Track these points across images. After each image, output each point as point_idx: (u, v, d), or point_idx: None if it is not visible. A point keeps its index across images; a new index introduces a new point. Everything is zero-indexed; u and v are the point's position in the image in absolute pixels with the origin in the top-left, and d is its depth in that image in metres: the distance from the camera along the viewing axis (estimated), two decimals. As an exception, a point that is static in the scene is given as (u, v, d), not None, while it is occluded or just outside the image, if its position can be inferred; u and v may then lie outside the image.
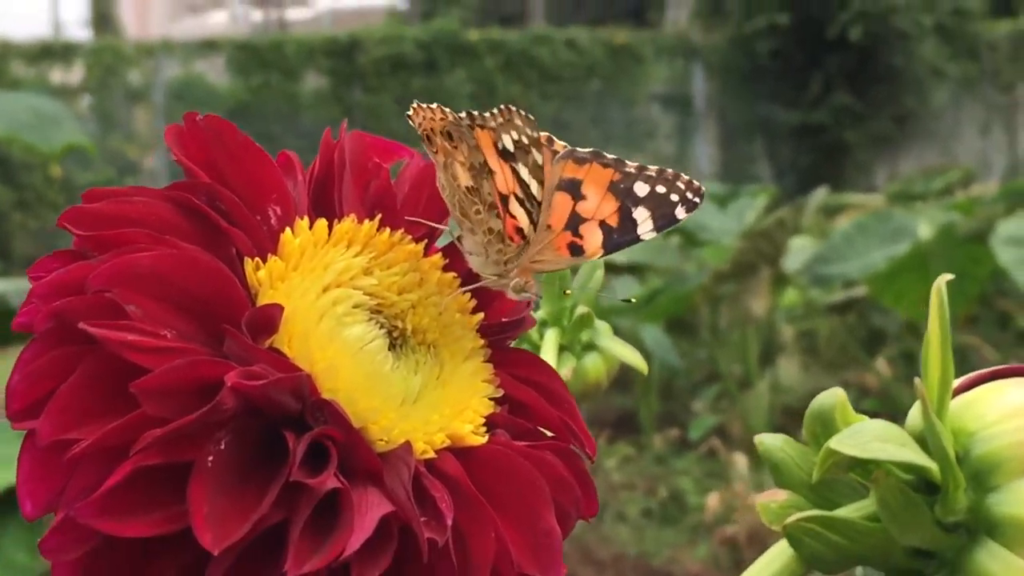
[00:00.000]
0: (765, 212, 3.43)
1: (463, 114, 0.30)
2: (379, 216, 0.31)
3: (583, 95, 6.66)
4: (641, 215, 0.31)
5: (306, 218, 0.30)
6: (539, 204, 0.30)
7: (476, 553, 0.27)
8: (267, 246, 0.29)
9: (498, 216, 0.30)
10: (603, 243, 0.31)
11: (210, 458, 0.25)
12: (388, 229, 0.31)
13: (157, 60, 6.41)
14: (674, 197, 0.31)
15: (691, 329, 3.27)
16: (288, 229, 0.29)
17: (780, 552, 0.23)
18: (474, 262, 0.31)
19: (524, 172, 0.30)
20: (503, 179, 0.30)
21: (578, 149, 0.31)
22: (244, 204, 0.29)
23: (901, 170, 6.02)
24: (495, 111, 0.30)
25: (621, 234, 0.31)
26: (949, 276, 0.23)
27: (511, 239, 0.30)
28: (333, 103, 6.37)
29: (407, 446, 0.27)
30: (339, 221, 0.30)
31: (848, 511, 0.23)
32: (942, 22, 6.44)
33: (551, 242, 0.31)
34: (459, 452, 0.29)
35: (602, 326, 0.46)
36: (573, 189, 0.31)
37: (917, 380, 0.22)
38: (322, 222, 0.30)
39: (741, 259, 2.85)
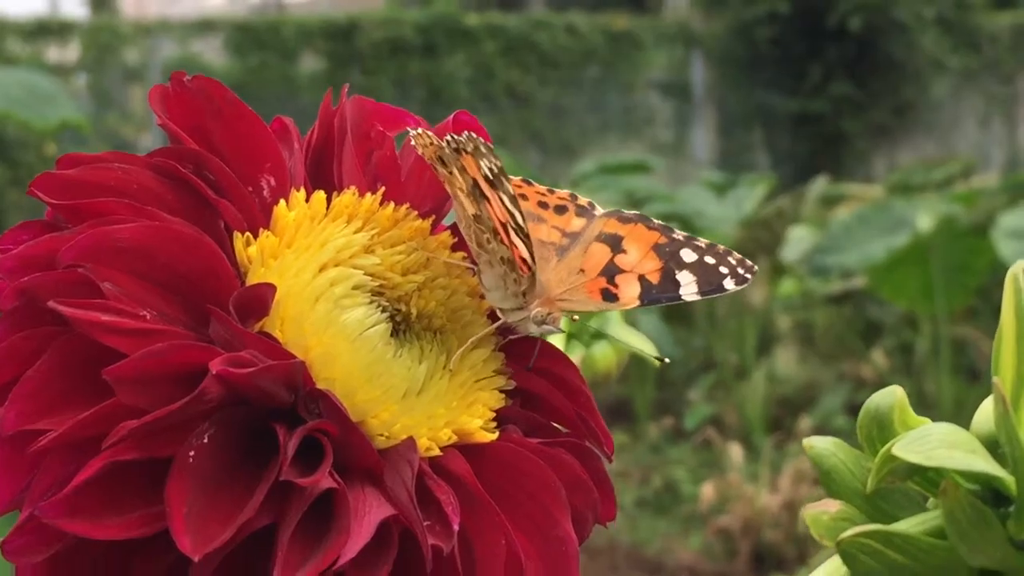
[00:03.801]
0: (764, 201, 3.41)
1: (448, 138, 0.28)
2: (382, 189, 0.28)
3: (582, 81, 6.62)
4: (685, 278, 0.30)
5: (302, 190, 0.27)
6: (527, 233, 0.28)
7: (484, 562, 0.25)
8: (259, 220, 0.26)
9: (502, 243, 0.28)
10: (640, 295, 0.30)
11: (191, 453, 0.23)
12: (392, 204, 0.28)
13: (154, 39, 6.37)
14: (723, 270, 0.30)
15: (688, 318, 3.25)
16: (282, 201, 0.27)
17: (833, 570, 0.21)
18: (493, 297, 0.29)
19: (506, 201, 0.28)
20: (499, 206, 0.28)
21: (623, 210, 0.31)
22: (234, 173, 0.26)
23: (899, 161, 6.00)
24: (464, 137, 0.28)
25: (661, 291, 0.30)
26: (1025, 263, 0.20)
27: (521, 268, 0.28)
28: (331, 85, 6.32)
29: (410, 442, 0.25)
30: (338, 194, 0.28)
31: (909, 525, 0.20)
32: (943, 13, 6.42)
33: (583, 284, 0.30)
34: (467, 449, 0.26)
35: (612, 314, 0.44)
36: (613, 243, 0.31)
37: (996, 379, 0.19)
38: (320, 195, 0.27)
39: (740, 248, 2.82)
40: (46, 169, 0.24)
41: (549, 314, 0.29)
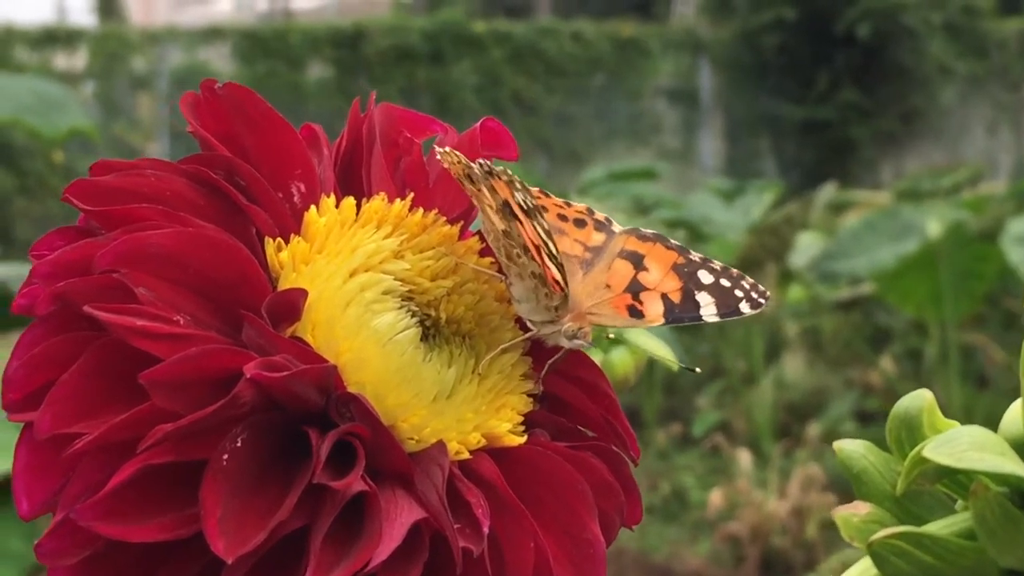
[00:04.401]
0: (772, 208, 3.41)
1: (480, 163, 0.28)
2: (411, 195, 0.28)
3: (589, 88, 6.63)
4: (704, 299, 0.30)
5: (332, 196, 0.27)
6: (561, 265, 0.29)
7: (513, 565, 0.25)
8: (290, 226, 0.26)
9: (533, 260, 0.29)
10: (664, 314, 0.30)
11: (225, 456, 0.23)
12: (421, 209, 0.28)
13: (162, 47, 6.38)
14: (738, 293, 0.31)
15: (696, 325, 3.24)
16: (313, 207, 0.27)
17: (863, 571, 0.21)
18: (523, 309, 0.29)
19: (541, 232, 0.28)
20: (532, 229, 0.28)
21: (641, 228, 0.31)
22: (265, 180, 0.26)
23: (907, 168, 5.99)
24: (498, 168, 0.29)
25: (683, 311, 0.30)
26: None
27: (553, 288, 0.29)
28: (338, 93, 6.33)
29: (440, 446, 0.25)
30: (368, 200, 0.28)
31: (939, 527, 0.20)
32: (951, 20, 6.41)
33: (610, 300, 0.30)
34: (495, 453, 0.26)
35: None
36: (635, 260, 0.31)
37: (1025, 380, 0.19)
38: (349, 201, 0.27)
39: (748, 255, 2.83)
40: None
41: (580, 328, 0.29)
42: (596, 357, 0.44)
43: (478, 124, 0.30)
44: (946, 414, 0.22)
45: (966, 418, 2.42)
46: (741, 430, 2.84)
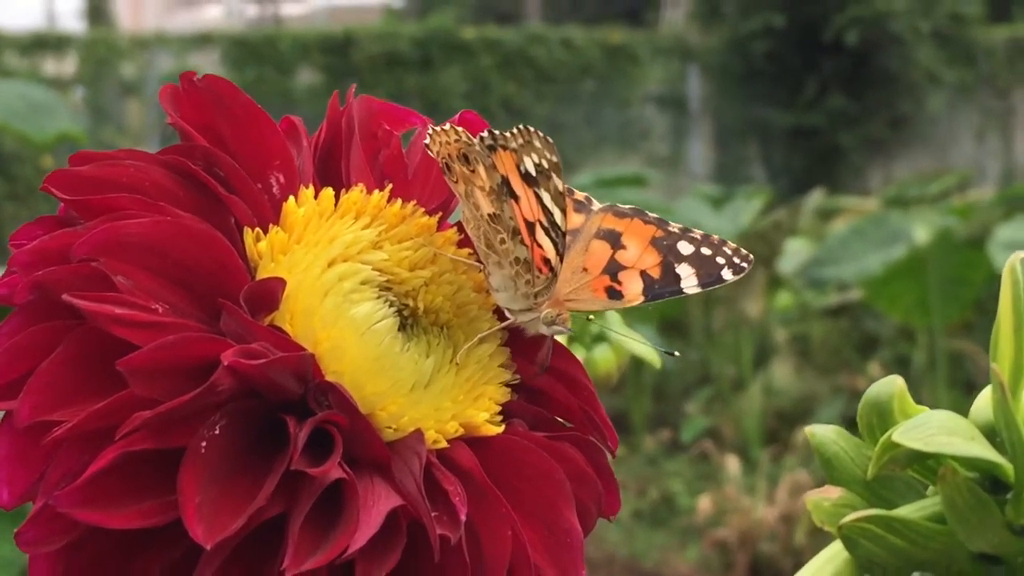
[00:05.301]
0: (761, 214, 3.42)
1: (485, 134, 0.28)
2: (389, 186, 0.28)
3: (578, 95, 6.62)
4: (685, 271, 0.30)
5: (311, 187, 0.27)
6: (564, 234, 0.29)
7: (490, 552, 0.25)
8: (269, 216, 0.27)
9: (523, 243, 0.28)
10: (643, 291, 0.30)
11: (203, 444, 0.23)
12: (399, 200, 0.28)
13: (151, 53, 6.37)
14: (720, 260, 0.31)
15: (684, 330, 3.25)
16: (291, 198, 0.27)
17: (834, 555, 0.21)
18: (501, 298, 0.29)
19: (547, 199, 0.28)
20: (528, 205, 0.28)
21: (618, 204, 0.31)
22: (244, 170, 0.26)
23: (895, 174, 6.00)
24: (515, 131, 0.28)
25: (663, 285, 0.30)
26: (1022, 254, 0.21)
27: (540, 269, 0.29)
28: (327, 99, 6.31)
29: (418, 434, 0.25)
30: (346, 191, 0.28)
31: (909, 511, 0.21)
32: (939, 27, 6.42)
33: (588, 283, 0.30)
34: (473, 442, 0.26)
35: (613, 316, 0.44)
36: (612, 239, 0.31)
37: (994, 366, 0.20)
38: (328, 191, 0.27)
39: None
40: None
41: (559, 315, 0.29)
42: (579, 355, 0.45)
43: (456, 115, 0.30)
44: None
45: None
46: (730, 436, 2.84)
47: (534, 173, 0.28)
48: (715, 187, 4.38)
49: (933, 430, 0.20)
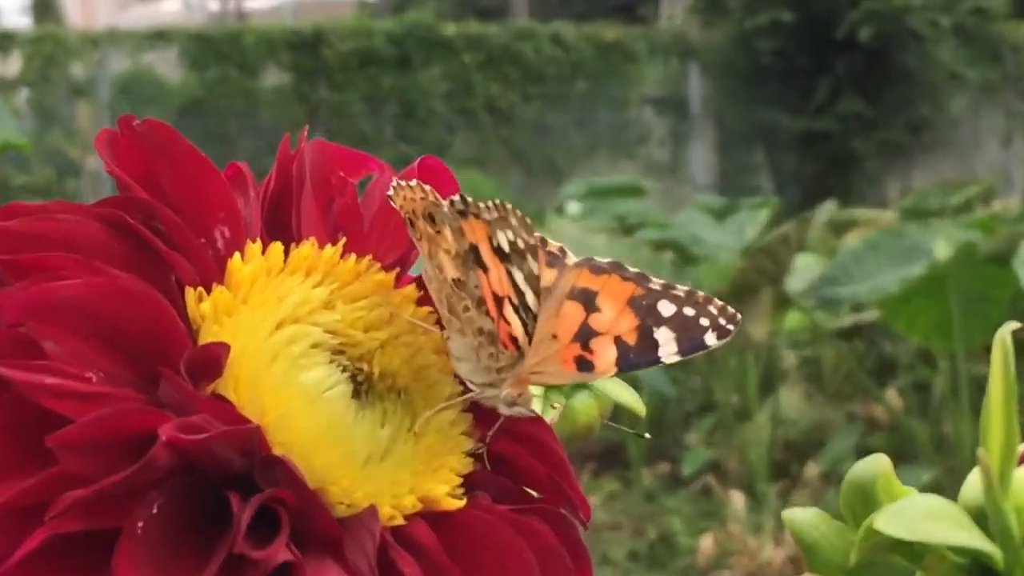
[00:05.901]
0: (768, 227, 3.42)
1: (456, 199, 0.28)
2: (343, 240, 0.29)
3: (569, 96, 6.64)
4: (664, 336, 0.30)
5: (259, 241, 0.28)
6: (535, 316, 0.29)
7: (450, 636, 0.25)
8: (212, 274, 0.27)
9: (487, 315, 0.29)
10: (617, 360, 0.30)
11: (140, 524, 0.23)
12: (354, 255, 0.29)
13: (103, 51, 6.37)
14: (704, 322, 0.30)
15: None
16: (237, 254, 0.27)
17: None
18: (462, 368, 0.29)
19: (520, 279, 0.28)
20: (498, 279, 0.28)
21: (596, 259, 0.30)
22: (187, 224, 0.27)
23: (915, 183, 6.01)
24: (490, 204, 0.28)
25: (639, 354, 0.30)
26: (1015, 324, 0.21)
27: (505, 346, 0.29)
28: (295, 101, 6.34)
29: (372, 511, 0.26)
30: (297, 245, 0.28)
31: (894, 600, 0.21)
32: (961, 23, 6.44)
33: (556, 353, 0.30)
34: (433, 518, 0.27)
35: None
36: (587, 300, 0.30)
37: (980, 451, 0.20)
38: (277, 246, 0.28)
39: (741, 279, 2.84)
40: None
41: (520, 395, 0.29)
42: (558, 403, 0.45)
43: (416, 162, 0.31)
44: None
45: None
46: (734, 470, 2.84)
47: (507, 250, 0.28)
48: (718, 198, 4.40)
49: (917, 516, 0.20)
